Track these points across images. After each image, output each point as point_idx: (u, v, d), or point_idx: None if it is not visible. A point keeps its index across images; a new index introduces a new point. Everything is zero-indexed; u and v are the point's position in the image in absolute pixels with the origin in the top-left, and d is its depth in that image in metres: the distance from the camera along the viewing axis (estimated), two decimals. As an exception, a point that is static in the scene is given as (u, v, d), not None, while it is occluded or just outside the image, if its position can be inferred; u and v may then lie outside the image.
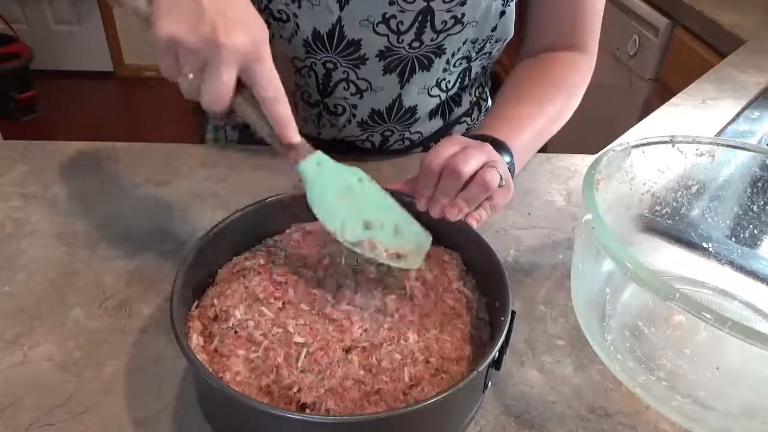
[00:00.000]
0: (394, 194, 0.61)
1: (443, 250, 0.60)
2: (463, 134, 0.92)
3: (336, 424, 0.44)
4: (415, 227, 0.56)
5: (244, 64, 0.48)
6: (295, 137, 0.52)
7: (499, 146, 0.64)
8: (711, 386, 0.51)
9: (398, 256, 0.52)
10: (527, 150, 0.71)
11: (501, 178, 0.58)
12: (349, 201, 0.55)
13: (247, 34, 0.47)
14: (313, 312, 0.53)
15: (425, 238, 0.56)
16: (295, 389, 0.46)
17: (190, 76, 0.48)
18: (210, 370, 0.46)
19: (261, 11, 0.73)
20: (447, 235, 0.60)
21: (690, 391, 0.51)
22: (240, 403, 0.42)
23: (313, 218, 0.63)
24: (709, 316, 0.42)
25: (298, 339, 0.49)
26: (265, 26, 0.50)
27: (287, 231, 0.61)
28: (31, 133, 2.77)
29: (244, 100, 0.51)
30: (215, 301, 0.52)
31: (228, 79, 0.47)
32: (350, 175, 0.56)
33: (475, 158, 0.57)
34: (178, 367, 0.53)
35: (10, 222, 0.70)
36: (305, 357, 0.48)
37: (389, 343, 0.50)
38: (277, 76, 0.50)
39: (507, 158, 0.64)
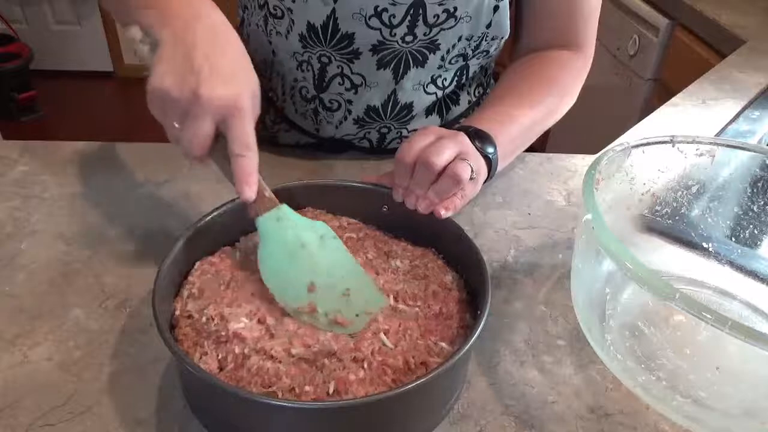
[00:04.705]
0: (374, 186, 0.62)
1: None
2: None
3: (324, 409, 0.43)
4: (368, 292, 0.54)
5: (220, 117, 0.50)
6: (250, 196, 0.52)
7: (482, 137, 0.64)
8: (711, 386, 0.51)
9: (336, 323, 0.50)
10: (514, 143, 0.71)
11: (472, 171, 0.58)
12: (302, 260, 0.54)
13: (228, 89, 0.49)
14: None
15: (376, 304, 0.53)
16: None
17: (175, 124, 0.51)
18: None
19: (260, 7, 0.74)
20: (424, 227, 0.60)
21: (690, 391, 0.51)
22: (225, 392, 0.42)
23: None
24: (709, 316, 0.42)
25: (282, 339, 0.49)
26: (253, 79, 0.53)
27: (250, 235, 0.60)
28: (31, 133, 2.77)
29: (219, 151, 0.52)
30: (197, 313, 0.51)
31: (204, 129, 0.50)
32: (311, 232, 0.56)
33: (447, 149, 0.58)
34: (178, 367, 0.53)
35: (10, 222, 0.70)
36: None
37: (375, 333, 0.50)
38: (252, 132, 0.51)
39: (490, 149, 0.64)
